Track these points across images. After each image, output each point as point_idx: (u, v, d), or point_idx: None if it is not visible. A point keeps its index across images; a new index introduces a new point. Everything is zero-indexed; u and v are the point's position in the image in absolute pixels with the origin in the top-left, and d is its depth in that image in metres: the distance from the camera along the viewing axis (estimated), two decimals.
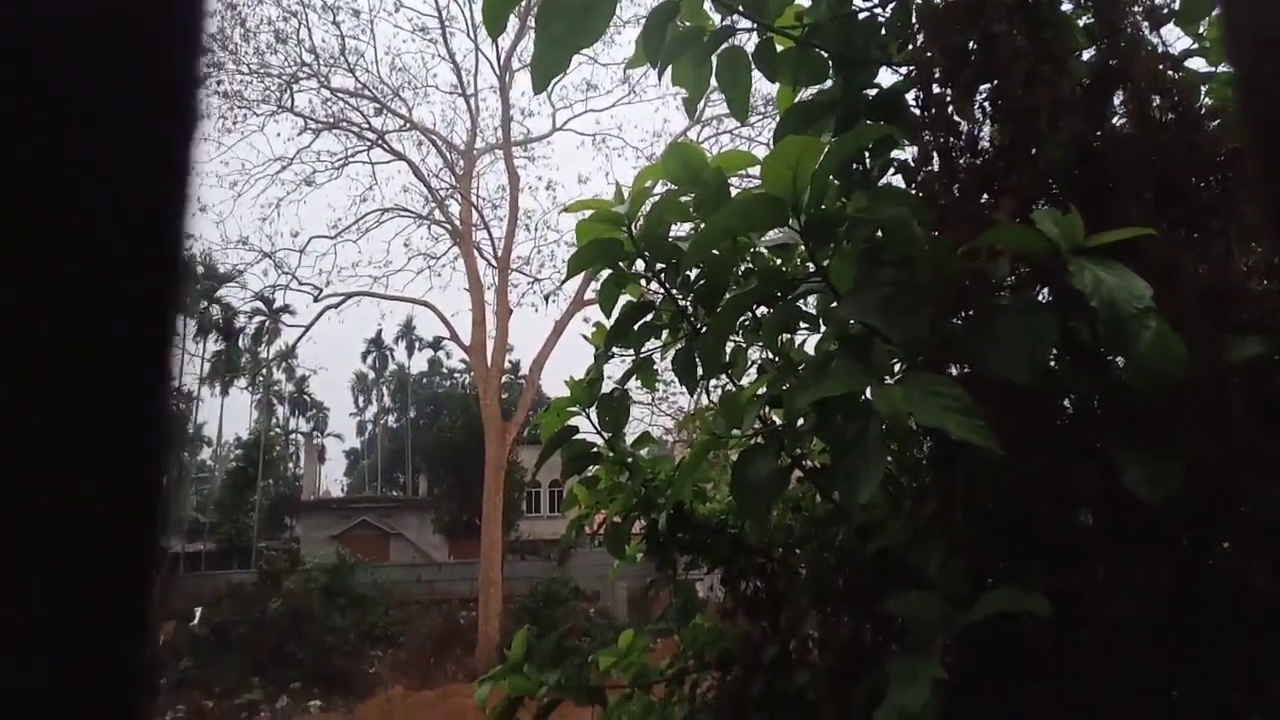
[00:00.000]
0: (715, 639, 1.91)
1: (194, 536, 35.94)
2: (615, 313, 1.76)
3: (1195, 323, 1.32)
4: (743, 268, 1.67)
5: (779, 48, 1.75)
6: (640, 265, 1.73)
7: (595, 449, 2.26)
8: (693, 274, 1.64)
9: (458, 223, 21.16)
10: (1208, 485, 1.27)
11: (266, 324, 42.73)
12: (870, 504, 1.75)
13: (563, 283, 19.05)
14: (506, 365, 25.85)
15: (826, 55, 1.72)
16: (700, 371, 1.76)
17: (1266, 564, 1.25)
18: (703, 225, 1.16)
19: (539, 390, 20.62)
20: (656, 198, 1.65)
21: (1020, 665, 1.46)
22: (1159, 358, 0.97)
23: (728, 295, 1.19)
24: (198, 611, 22.16)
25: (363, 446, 60.15)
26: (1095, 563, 1.42)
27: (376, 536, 30.89)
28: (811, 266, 1.13)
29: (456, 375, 51.43)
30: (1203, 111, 1.76)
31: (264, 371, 41.99)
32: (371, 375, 56.69)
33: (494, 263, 20.93)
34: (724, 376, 1.92)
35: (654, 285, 1.82)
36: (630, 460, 2.27)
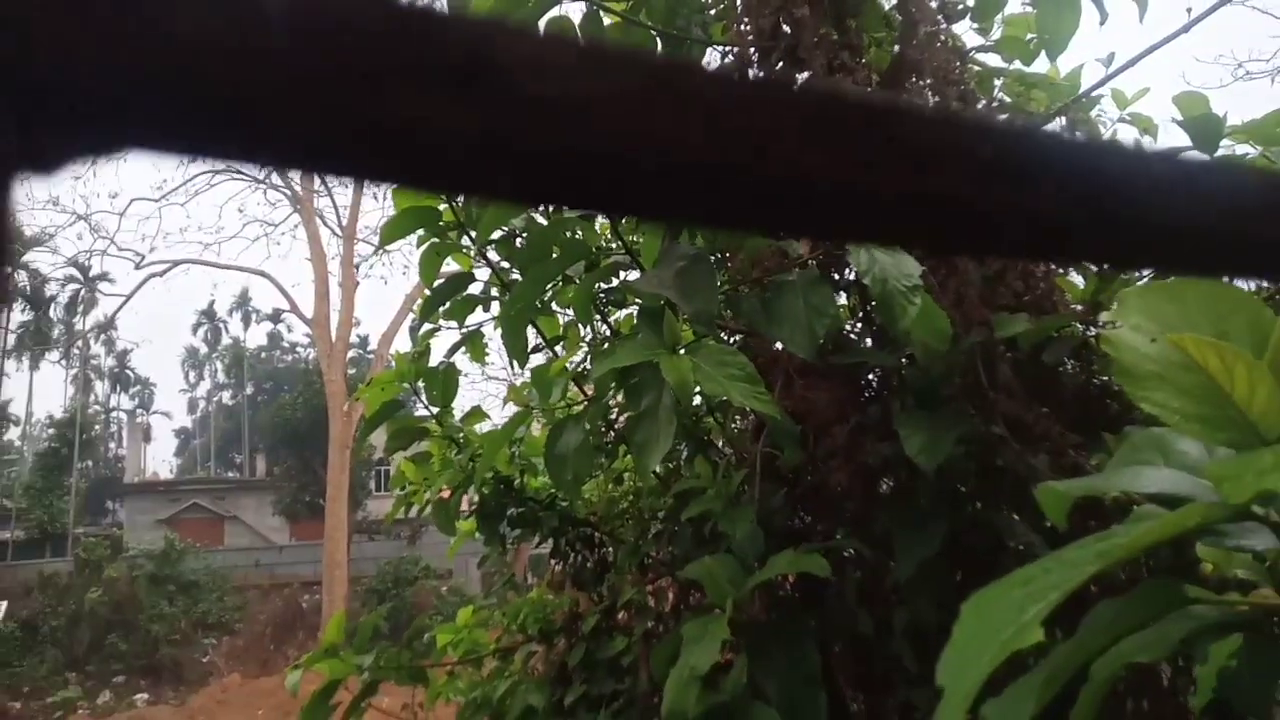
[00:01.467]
0: (537, 611, 1.91)
1: None
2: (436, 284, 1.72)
3: (973, 303, 1.43)
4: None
5: (606, 20, 1.74)
6: (470, 237, 1.70)
7: (424, 424, 2.21)
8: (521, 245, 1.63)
9: (297, 188, 20.08)
10: (978, 453, 1.39)
11: (81, 292, 39.13)
12: (695, 474, 1.80)
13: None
14: (353, 339, 24.85)
15: (654, 32, 1.73)
16: (529, 345, 1.76)
17: (1024, 524, 1.38)
18: None
19: (388, 365, 19.91)
20: None
21: (822, 620, 1.55)
22: (927, 332, 1.04)
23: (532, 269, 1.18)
24: (2, 605, 20.22)
25: (195, 425, 56.36)
26: (886, 525, 1.52)
27: (210, 520, 29.19)
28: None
29: (299, 350, 48.99)
30: (994, 104, 1.90)
31: (80, 344, 38.59)
32: (204, 349, 53.02)
33: (338, 232, 20.02)
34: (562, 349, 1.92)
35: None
36: (461, 435, 2.24)
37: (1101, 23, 1.47)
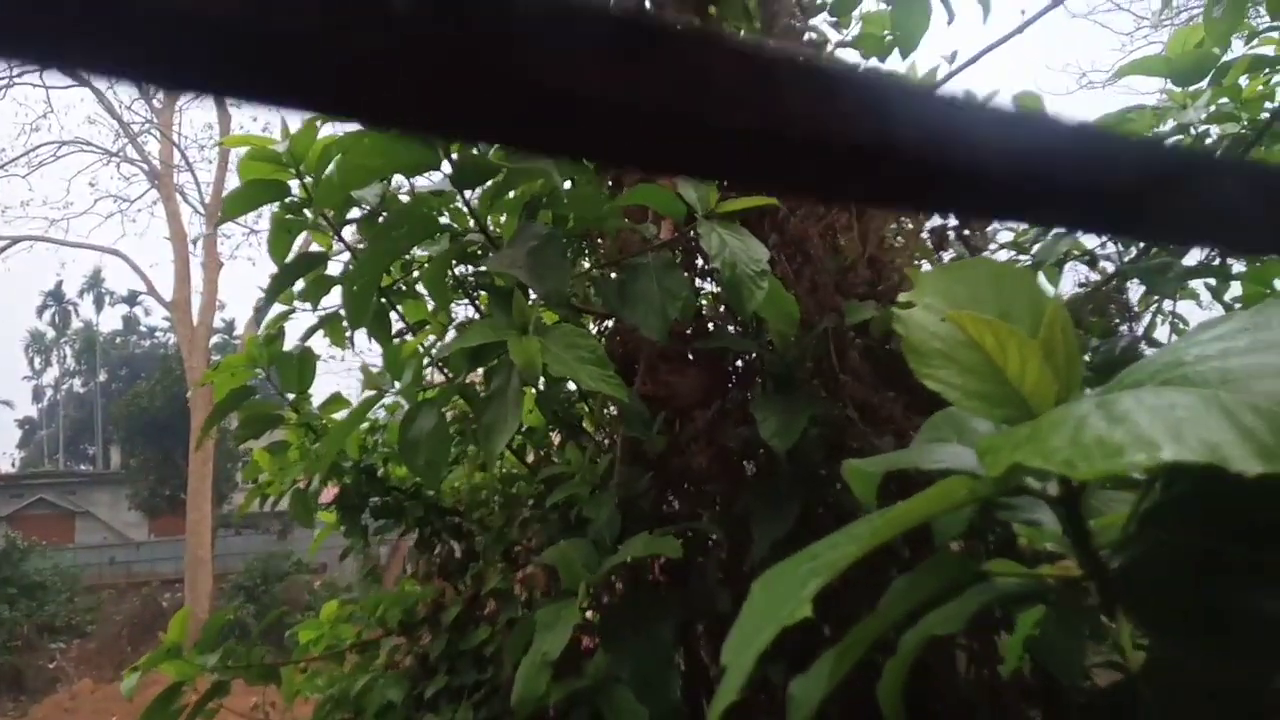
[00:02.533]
0: (397, 603, 1.86)
1: None
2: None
3: (826, 290, 1.47)
4: (444, 219, 1.62)
5: None
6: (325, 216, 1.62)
7: (278, 411, 2.11)
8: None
9: (156, 162, 18.82)
10: (830, 435, 1.43)
11: None
12: (565, 460, 1.79)
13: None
14: (217, 324, 23.60)
15: None
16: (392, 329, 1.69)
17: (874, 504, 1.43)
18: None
19: None
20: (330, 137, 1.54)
21: (686, 601, 1.57)
22: (776, 316, 1.05)
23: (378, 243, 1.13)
24: None
25: (41, 415, 52.20)
26: (746, 506, 1.55)
27: (58, 516, 27.16)
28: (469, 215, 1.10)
29: (157, 334, 46.02)
30: None
31: None
32: (51, 333, 49.06)
33: (201, 209, 18.90)
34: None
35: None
36: (321, 423, 2.15)
37: (949, 22, 1.53)
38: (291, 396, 2.08)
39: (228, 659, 1.71)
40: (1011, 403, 0.46)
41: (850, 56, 1.96)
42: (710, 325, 1.69)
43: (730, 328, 1.67)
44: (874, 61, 1.91)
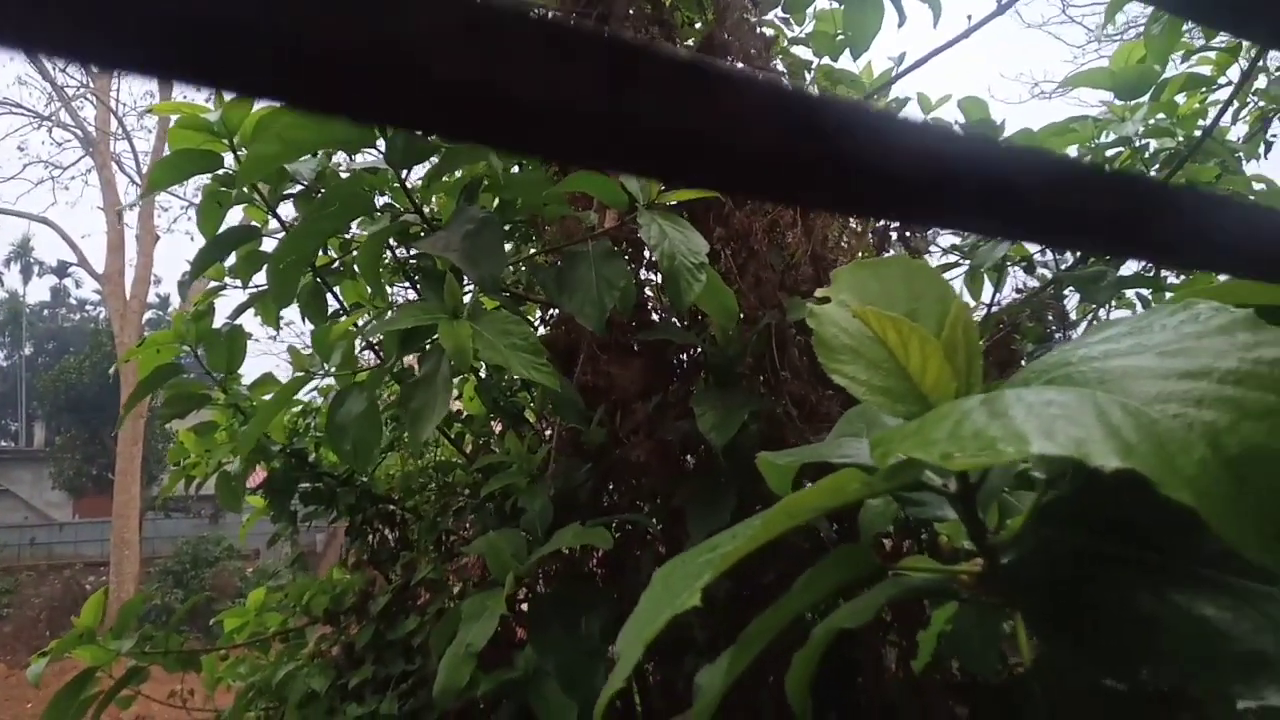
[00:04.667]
0: (324, 591, 1.81)
1: None
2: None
3: (769, 286, 1.47)
4: (382, 201, 1.58)
5: None
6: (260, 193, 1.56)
7: (205, 391, 2.04)
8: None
9: (91, 129, 18.13)
10: (767, 430, 1.43)
11: None
12: (506, 449, 1.76)
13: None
14: (151, 298, 22.88)
15: None
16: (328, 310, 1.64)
17: None
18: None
19: None
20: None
21: (622, 592, 1.56)
22: (714, 309, 1.05)
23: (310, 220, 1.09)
24: None
25: None
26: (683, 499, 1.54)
27: None
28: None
29: (88, 308, 44.42)
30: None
31: None
32: None
33: (138, 180, 18.27)
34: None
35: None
36: (250, 404, 2.08)
37: (900, 24, 1.54)
38: (220, 376, 2.01)
39: (144, 644, 1.65)
40: (913, 398, 0.46)
41: (802, 53, 1.96)
42: (655, 317, 1.68)
43: (676, 321, 1.66)
44: (825, 60, 1.92)
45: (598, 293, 0.99)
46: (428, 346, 1.11)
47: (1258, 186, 1.96)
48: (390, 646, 1.72)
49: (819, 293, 0.53)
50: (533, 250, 1.27)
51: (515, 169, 1.18)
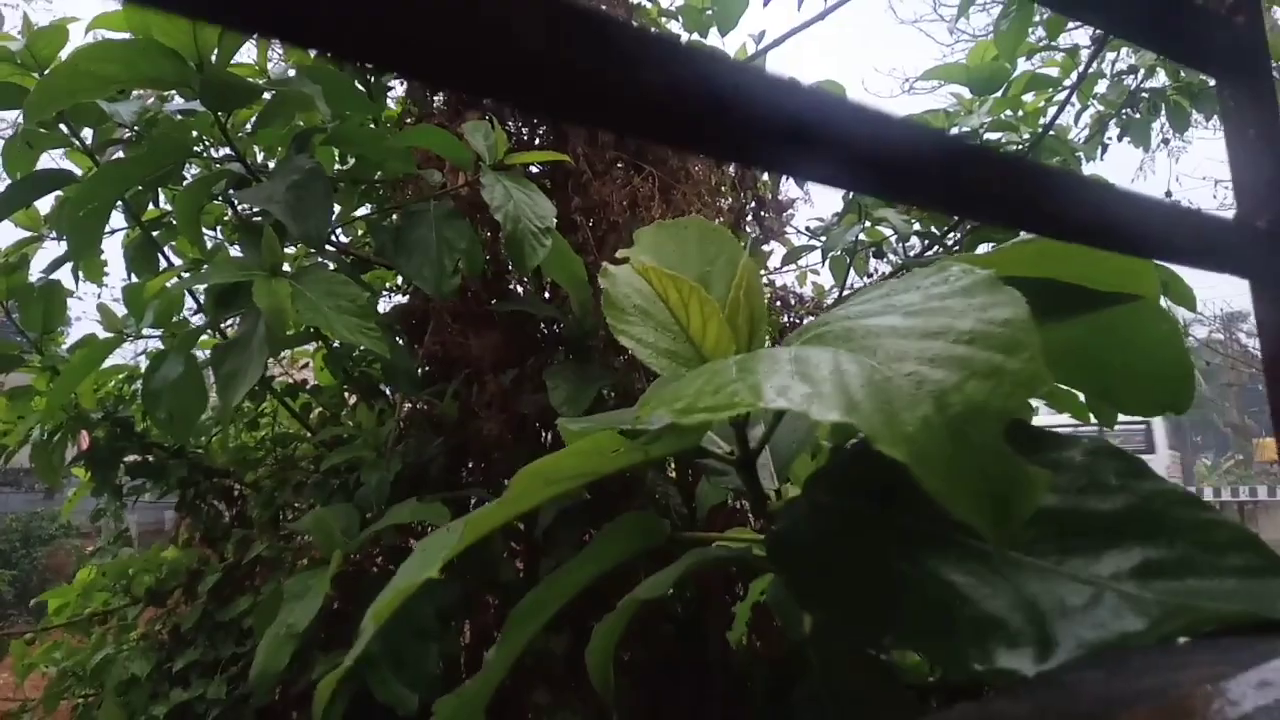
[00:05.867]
0: (147, 569, 1.69)
1: None
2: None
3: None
4: (223, 152, 1.46)
5: None
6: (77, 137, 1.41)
7: (17, 351, 1.85)
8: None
9: None
10: (620, 405, 1.42)
11: None
12: (356, 421, 1.68)
13: None
14: None
15: None
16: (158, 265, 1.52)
17: (659, 474, 1.44)
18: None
19: None
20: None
21: (471, 570, 1.52)
22: (562, 276, 1.01)
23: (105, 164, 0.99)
24: None
25: None
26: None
27: None
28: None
29: None
30: None
31: None
32: None
33: None
34: None
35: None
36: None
37: (765, 4, 1.54)
38: (35, 336, 1.84)
39: None
40: (696, 361, 0.45)
41: (676, 28, 1.94)
42: (520, 289, 1.63)
43: (545, 294, 1.62)
44: (695, 36, 1.91)
45: (437, 254, 0.94)
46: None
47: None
48: (220, 628, 1.62)
49: (620, 253, 0.51)
50: (370, 209, 1.20)
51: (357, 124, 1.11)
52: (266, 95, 1.03)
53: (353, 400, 1.99)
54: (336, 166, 1.35)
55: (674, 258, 0.49)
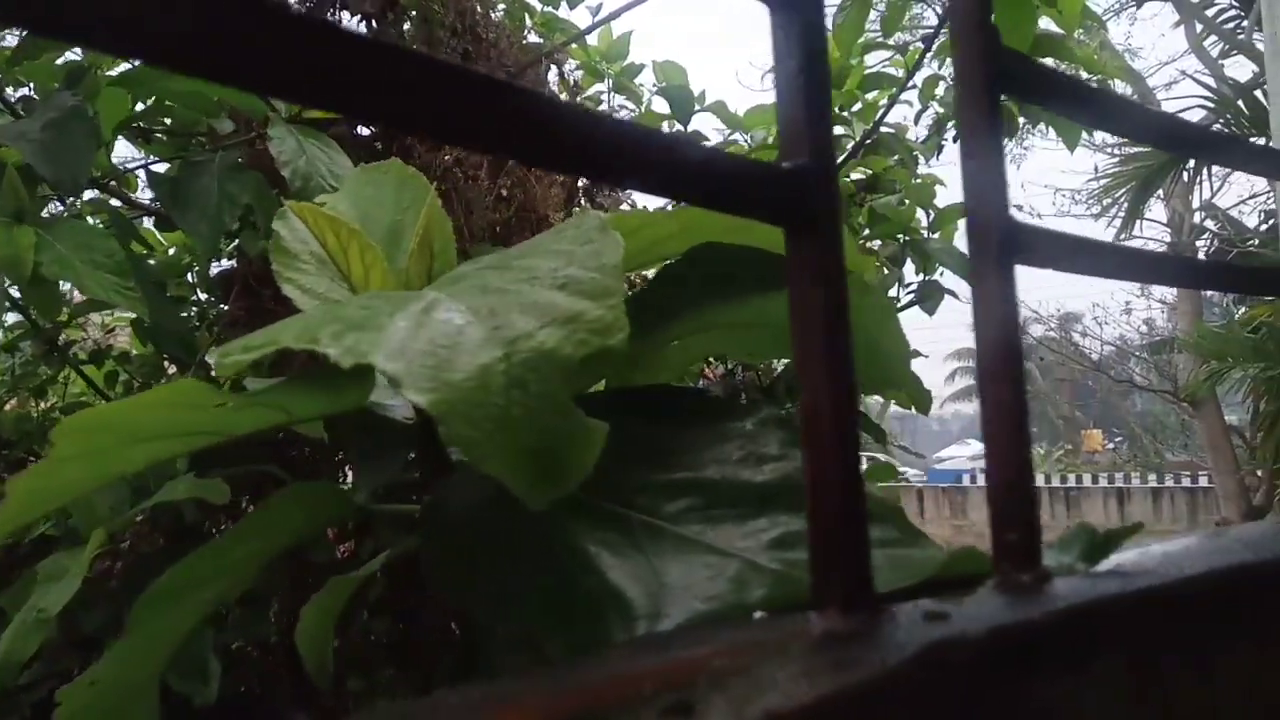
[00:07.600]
0: None
1: None
2: None
3: (480, 236, 1.40)
4: None
5: None
6: None
7: None
8: None
9: None
10: None
11: None
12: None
13: None
14: None
15: None
16: None
17: None
18: None
19: None
20: None
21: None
22: None
23: None
24: None
25: None
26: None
27: None
28: None
29: None
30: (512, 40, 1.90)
31: None
32: None
33: None
34: None
35: None
36: None
37: None
38: None
39: None
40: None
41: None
42: None
43: None
44: (548, 7, 1.87)
45: (217, 209, 0.87)
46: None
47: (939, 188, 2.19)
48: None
49: (320, 198, 0.47)
50: (146, 157, 1.10)
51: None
52: None
53: (172, 370, 1.85)
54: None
55: (370, 202, 0.46)
